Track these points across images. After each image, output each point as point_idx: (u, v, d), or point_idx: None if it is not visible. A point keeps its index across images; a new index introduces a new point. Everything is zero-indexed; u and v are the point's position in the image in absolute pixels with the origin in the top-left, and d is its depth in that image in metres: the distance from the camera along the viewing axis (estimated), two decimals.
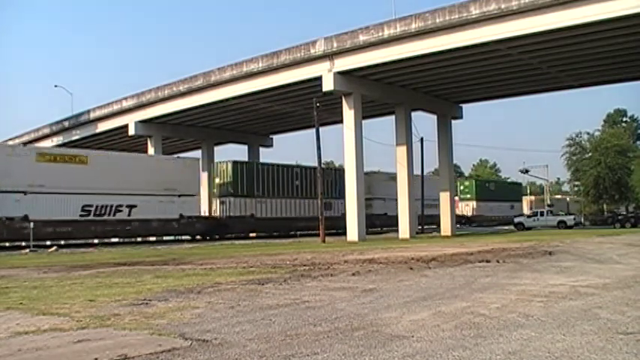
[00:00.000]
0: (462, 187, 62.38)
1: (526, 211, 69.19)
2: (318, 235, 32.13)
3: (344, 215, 39.76)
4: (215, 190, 39.17)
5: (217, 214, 37.96)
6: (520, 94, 40.40)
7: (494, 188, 65.73)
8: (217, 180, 38.72)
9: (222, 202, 37.87)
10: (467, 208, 60.66)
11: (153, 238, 35.03)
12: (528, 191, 77.39)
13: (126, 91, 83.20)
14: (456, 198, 61.26)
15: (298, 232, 40.46)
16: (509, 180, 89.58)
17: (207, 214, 39.26)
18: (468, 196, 61.53)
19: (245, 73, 34.01)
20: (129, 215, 31.81)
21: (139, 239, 33.82)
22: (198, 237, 35.41)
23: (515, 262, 13.27)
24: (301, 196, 41.15)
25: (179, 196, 34.04)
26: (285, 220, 39.96)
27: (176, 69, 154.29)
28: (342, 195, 40.58)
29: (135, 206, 31.87)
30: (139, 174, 32.28)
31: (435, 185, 40.90)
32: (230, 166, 38.13)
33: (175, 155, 46.86)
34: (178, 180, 33.92)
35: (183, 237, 35.29)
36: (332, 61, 30.52)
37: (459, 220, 51.50)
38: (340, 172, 42.54)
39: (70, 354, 5.07)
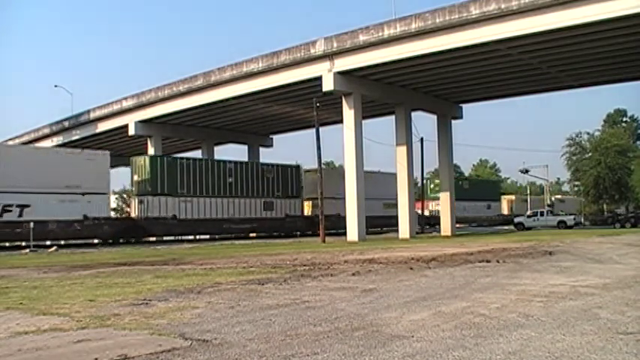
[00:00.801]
0: (432, 186, 58.89)
1: (505, 211, 67.40)
2: (257, 238, 32.09)
3: (287, 216, 39.72)
4: (133, 189, 36.18)
5: (135, 214, 34.50)
6: (520, 94, 40.42)
7: (468, 187, 60.51)
8: (135, 177, 35.18)
9: (140, 202, 34.14)
10: (438, 207, 58.52)
11: (153, 239, 34.94)
12: (529, 191, 76.85)
13: (126, 91, 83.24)
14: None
15: (233, 235, 37.34)
16: (496, 178, 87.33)
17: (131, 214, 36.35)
18: (440, 195, 59.64)
19: (245, 73, 34.02)
20: (20, 216, 27.79)
21: (48, 243, 31.67)
22: (110, 241, 31.78)
23: (515, 262, 13.27)
24: (235, 195, 37.55)
25: (83, 194, 30.03)
26: (215, 221, 36.25)
27: (176, 69, 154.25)
28: (286, 194, 40.05)
29: (28, 206, 28.01)
30: (33, 169, 28.31)
31: (394, 183, 37.33)
32: (148, 161, 34.92)
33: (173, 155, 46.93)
34: (83, 176, 29.95)
35: (95, 240, 31.73)
36: (332, 61, 30.53)
37: (428, 221, 48.97)
38: (285, 168, 40.89)
39: (70, 354, 5.07)
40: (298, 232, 40.03)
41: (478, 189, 62.77)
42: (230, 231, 37.23)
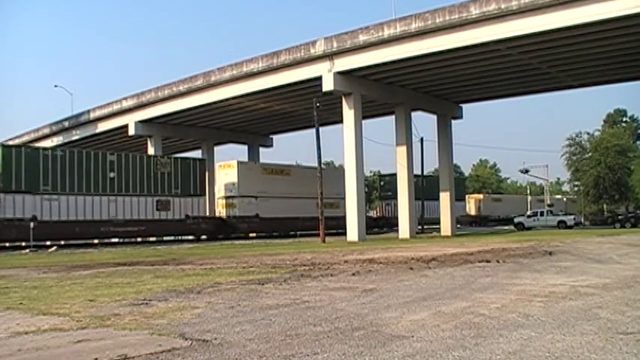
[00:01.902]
0: (382, 183, 53.47)
1: (473, 211, 63.27)
2: (145, 242, 31.31)
3: (188, 218, 34.22)
4: None
5: None
6: (520, 94, 40.43)
7: (425, 184, 55.03)
8: None
9: None
10: (390, 208, 50.17)
11: (153, 239, 34.86)
12: (529, 191, 76.89)
13: (126, 91, 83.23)
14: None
15: (115, 240, 33.24)
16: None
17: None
18: (389, 193, 50.10)
19: (245, 73, 34.02)
20: None
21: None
22: None
23: (515, 262, 13.27)
24: (119, 193, 32.19)
25: None
26: (90, 223, 30.67)
27: (176, 69, 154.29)
28: (187, 192, 34.82)
29: None
30: None
31: (340, 179, 34.43)
32: (0, 152, 28.53)
33: (174, 155, 46.88)
34: None
35: None
36: (332, 61, 30.53)
37: (371, 224, 43.23)
38: (186, 162, 36.06)
39: (70, 354, 5.06)
40: (204, 236, 35.48)
41: (434, 187, 57.99)
42: (111, 234, 32.16)
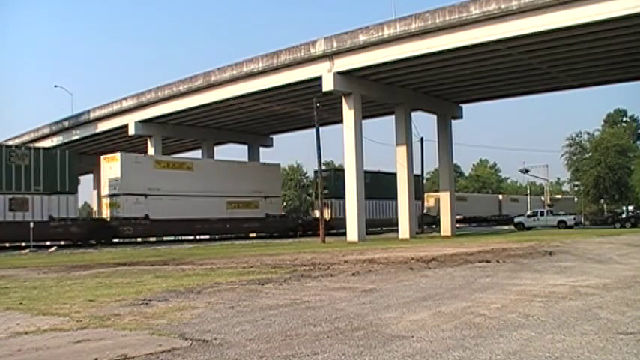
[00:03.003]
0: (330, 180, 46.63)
1: (432, 212, 56.16)
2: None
3: (52, 219, 28.72)
4: None
5: None
6: (520, 94, 40.40)
7: (369, 181, 45.89)
8: None
9: None
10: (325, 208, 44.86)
11: (153, 239, 34.85)
12: (529, 191, 76.66)
13: (126, 91, 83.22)
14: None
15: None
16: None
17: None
18: (327, 192, 43.96)
19: (245, 73, 34.02)
20: None
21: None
22: None
23: (515, 262, 13.27)
24: None
25: None
26: None
27: (176, 69, 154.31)
28: (53, 189, 29.34)
29: None
30: None
31: (266, 175, 33.79)
32: None
33: (173, 155, 46.87)
34: None
35: None
36: (332, 61, 30.53)
37: (303, 225, 41.35)
38: (51, 154, 30.39)
39: (70, 354, 5.07)
40: (79, 242, 30.04)
41: (385, 185, 48.13)
42: None
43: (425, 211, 49.83)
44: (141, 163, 33.69)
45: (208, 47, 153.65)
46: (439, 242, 26.47)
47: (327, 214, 44.09)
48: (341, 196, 42.02)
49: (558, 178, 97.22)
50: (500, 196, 70.79)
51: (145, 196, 32.59)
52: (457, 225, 41.50)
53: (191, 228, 33.73)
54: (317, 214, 43.09)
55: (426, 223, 47.68)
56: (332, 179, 43.69)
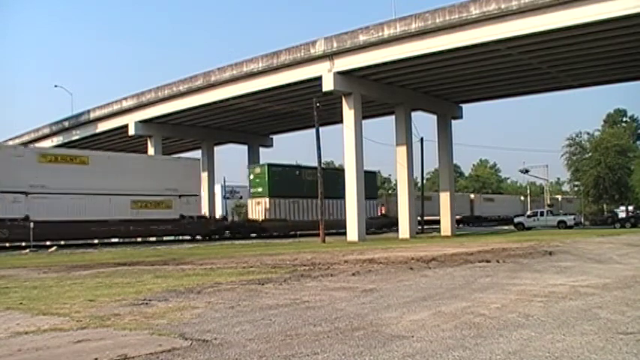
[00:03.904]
0: (251, 177, 41.16)
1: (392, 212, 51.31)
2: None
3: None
4: None
5: None
6: (520, 94, 40.43)
7: (311, 178, 40.29)
8: None
9: None
10: (258, 208, 40.01)
11: (153, 238, 34.82)
12: (529, 191, 76.49)
13: (126, 91, 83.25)
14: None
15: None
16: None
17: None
18: (260, 190, 40.05)
19: (245, 73, 34.03)
20: None
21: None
22: None
23: (515, 262, 13.27)
24: None
25: None
26: None
27: (176, 69, 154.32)
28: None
29: None
30: None
31: (184, 172, 31.23)
32: None
33: (175, 155, 46.84)
34: None
35: None
36: (332, 61, 30.54)
37: (239, 229, 38.48)
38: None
39: (70, 354, 5.06)
40: None
41: (331, 182, 41.03)
42: None
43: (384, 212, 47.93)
44: (22, 156, 29.56)
45: (208, 47, 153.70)
46: (439, 242, 26.46)
47: (252, 214, 40.04)
48: (294, 195, 39.82)
49: (558, 178, 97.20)
50: (472, 195, 66.52)
51: (26, 194, 28.41)
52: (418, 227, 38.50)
53: (86, 231, 29.85)
54: (249, 215, 40.31)
55: (377, 225, 44.18)
56: (267, 176, 39.28)
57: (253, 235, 38.12)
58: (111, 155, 34.50)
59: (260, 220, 39.50)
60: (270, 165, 41.33)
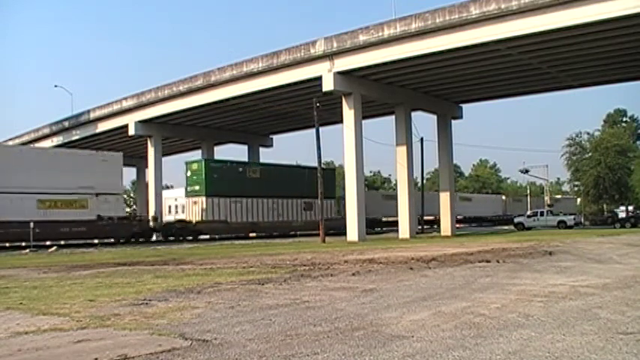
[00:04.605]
0: (188, 174, 37.53)
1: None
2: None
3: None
4: None
5: None
6: (520, 94, 40.41)
7: (258, 175, 39.24)
8: None
9: None
10: (195, 208, 36.68)
11: (153, 238, 34.75)
12: (529, 191, 76.29)
13: (126, 91, 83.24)
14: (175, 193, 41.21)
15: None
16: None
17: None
18: (197, 188, 36.77)
19: (245, 73, 34.03)
20: None
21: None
22: None
23: (515, 262, 13.27)
24: None
25: None
26: None
27: (176, 69, 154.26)
28: None
29: None
30: None
31: (92, 168, 28.53)
32: None
33: (173, 155, 46.75)
34: None
35: None
36: (332, 61, 30.53)
37: (170, 231, 35.36)
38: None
39: (70, 354, 5.07)
40: None
41: (281, 179, 40.36)
42: None
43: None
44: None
45: (208, 47, 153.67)
46: (439, 242, 26.46)
47: (189, 215, 36.52)
48: (236, 194, 35.88)
49: (558, 178, 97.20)
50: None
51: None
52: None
53: None
54: (187, 216, 36.95)
55: (338, 227, 38.91)
56: (204, 172, 35.58)
57: (189, 238, 34.48)
58: (11, 148, 31.50)
59: (194, 221, 36.13)
60: (208, 160, 38.74)
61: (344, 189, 33.46)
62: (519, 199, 72.52)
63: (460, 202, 57.81)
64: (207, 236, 36.13)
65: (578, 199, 70.87)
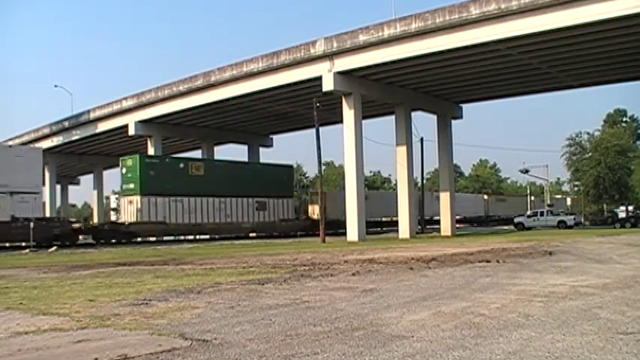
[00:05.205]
0: (123, 171, 34.96)
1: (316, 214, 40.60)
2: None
3: None
4: None
5: None
6: (520, 94, 40.41)
7: (202, 172, 36.55)
8: None
9: None
10: (130, 208, 33.93)
11: (153, 238, 34.71)
12: (529, 191, 76.10)
13: (126, 91, 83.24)
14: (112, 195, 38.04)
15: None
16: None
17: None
18: (131, 186, 34.09)
19: (245, 73, 34.02)
20: None
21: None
22: None
23: (515, 262, 13.27)
24: None
25: None
26: None
27: (176, 69, 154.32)
28: None
29: None
30: None
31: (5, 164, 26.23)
32: None
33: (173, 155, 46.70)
34: None
35: None
36: (332, 61, 30.53)
37: (100, 233, 32.67)
38: None
39: (70, 354, 5.07)
40: None
41: (229, 176, 37.35)
42: None
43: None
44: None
45: (208, 47, 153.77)
46: (439, 242, 26.46)
47: (125, 215, 33.68)
48: (177, 192, 33.05)
49: (558, 178, 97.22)
50: (423, 193, 53.87)
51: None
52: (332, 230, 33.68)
53: None
54: (123, 216, 34.16)
55: (305, 227, 40.18)
56: (139, 170, 32.73)
57: (123, 241, 31.72)
58: None
59: (127, 222, 33.24)
60: (143, 157, 36.07)
61: (304, 187, 32.58)
62: (503, 198, 70.50)
63: (436, 201, 50.11)
64: (140, 239, 33.47)
65: (568, 200, 70.55)
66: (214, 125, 45.53)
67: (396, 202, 34.54)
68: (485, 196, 66.09)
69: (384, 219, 45.20)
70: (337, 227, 37.16)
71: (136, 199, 33.13)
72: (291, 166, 44.74)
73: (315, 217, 39.81)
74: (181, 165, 35.98)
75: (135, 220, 33.02)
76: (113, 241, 31.28)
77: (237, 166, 37.84)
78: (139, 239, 33.37)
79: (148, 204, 33.29)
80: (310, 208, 43.07)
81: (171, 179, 34.46)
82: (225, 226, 35.34)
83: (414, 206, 36.09)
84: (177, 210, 34.53)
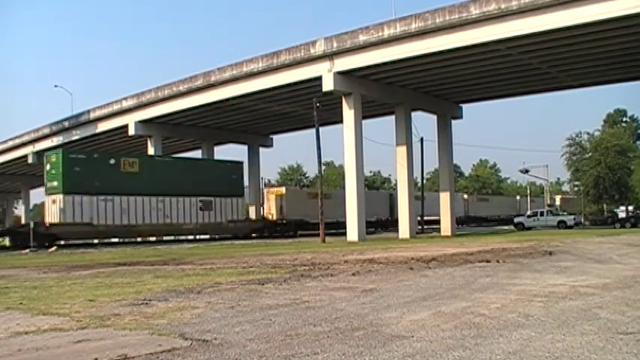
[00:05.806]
0: (47, 167, 31.79)
1: (274, 214, 40.11)
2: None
3: None
4: None
5: None
6: (520, 94, 40.42)
7: (136, 169, 33.60)
8: None
9: None
10: (54, 207, 30.99)
11: (153, 238, 34.70)
12: (529, 191, 76.06)
13: (126, 91, 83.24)
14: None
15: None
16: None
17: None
18: (55, 184, 31.06)
19: (245, 73, 34.02)
20: None
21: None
22: None
23: (515, 262, 13.27)
24: None
25: None
26: None
27: (176, 69, 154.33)
28: None
29: None
30: None
31: None
32: None
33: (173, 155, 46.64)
34: None
35: None
36: (332, 61, 30.53)
37: (17, 235, 30.07)
38: None
39: (70, 354, 5.07)
40: None
41: (178, 174, 35.14)
42: None
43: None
44: None
45: (208, 47, 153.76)
46: (439, 242, 26.46)
47: (49, 216, 30.63)
48: (106, 191, 30.69)
49: (558, 178, 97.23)
50: (393, 192, 51.50)
51: None
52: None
53: None
54: (46, 217, 31.43)
55: (254, 230, 38.43)
56: (62, 166, 29.92)
57: (46, 244, 28.17)
58: None
59: (48, 223, 30.23)
60: (67, 152, 32.83)
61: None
62: (485, 198, 68.81)
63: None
64: (62, 242, 30.53)
65: (557, 198, 70.01)
66: (214, 125, 45.53)
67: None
68: (465, 196, 63.76)
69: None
70: (301, 228, 35.86)
71: (59, 197, 29.95)
72: (241, 163, 41.73)
73: (272, 218, 39.16)
74: (112, 161, 32.88)
75: (57, 221, 29.87)
76: (32, 244, 27.16)
77: (179, 162, 35.41)
78: (62, 242, 30.33)
79: (72, 203, 30.07)
80: (267, 207, 40.72)
81: (100, 176, 31.28)
82: (163, 227, 33.00)
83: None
84: (106, 210, 31.42)
